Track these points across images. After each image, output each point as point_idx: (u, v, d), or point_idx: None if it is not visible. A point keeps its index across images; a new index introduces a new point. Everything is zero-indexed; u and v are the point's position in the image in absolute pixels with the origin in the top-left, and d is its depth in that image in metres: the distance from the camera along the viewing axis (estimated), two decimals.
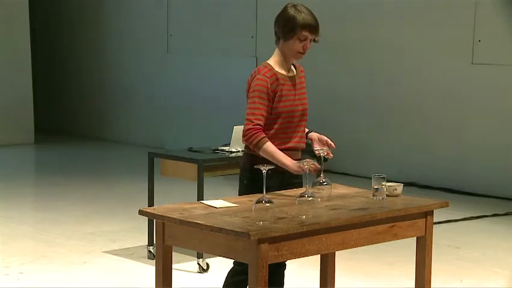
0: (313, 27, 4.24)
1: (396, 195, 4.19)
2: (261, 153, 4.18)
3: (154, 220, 3.85)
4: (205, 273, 5.95)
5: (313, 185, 4.12)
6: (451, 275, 6.07)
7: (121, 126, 13.19)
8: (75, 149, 12.72)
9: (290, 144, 4.30)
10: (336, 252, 4.26)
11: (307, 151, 7.02)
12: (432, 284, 4.22)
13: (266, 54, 12.54)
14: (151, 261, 6.03)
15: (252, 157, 4.27)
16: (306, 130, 4.45)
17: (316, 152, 4.27)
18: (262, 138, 4.17)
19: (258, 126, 4.18)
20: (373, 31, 10.13)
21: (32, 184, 10.19)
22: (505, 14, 9.05)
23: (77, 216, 7.93)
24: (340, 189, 4.35)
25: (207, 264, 5.97)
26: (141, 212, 3.85)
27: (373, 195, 4.13)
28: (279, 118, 4.24)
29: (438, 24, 9.57)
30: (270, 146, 4.17)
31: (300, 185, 4.35)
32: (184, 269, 6.01)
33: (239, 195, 4.30)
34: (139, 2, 12.91)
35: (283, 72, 4.29)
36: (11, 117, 12.69)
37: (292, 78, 4.32)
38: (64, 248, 6.74)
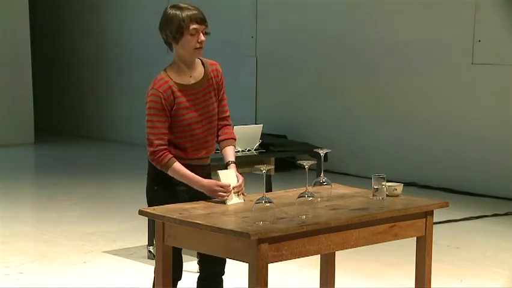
0: (200, 18, 4.04)
1: (396, 195, 4.19)
2: (170, 174, 4.06)
3: (154, 220, 3.85)
4: None
5: (314, 185, 4.13)
6: (451, 275, 6.07)
7: (121, 126, 13.20)
8: (75, 149, 12.72)
9: (201, 153, 4.17)
10: (336, 252, 4.26)
11: (307, 151, 7.03)
12: (432, 284, 4.22)
13: (266, 54, 12.52)
14: (151, 261, 6.03)
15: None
16: (226, 161, 4.23)
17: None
18: (169, 160, 4.03)
19: (160, 147, 4.03)
20: (373, 30, 10.13)
21: (32, 184, 10.19)
22: (505, 14, 9.05)
23: (77, 216, 7.93)
24: (340, 189, 4.35)
25: None
26: (141, 212, 3.85)
27: (373, 195, 4.13)
28: (183, 131, 4.08)
29: (438, 24, 9.57)
30: (177, 166, 4.04)
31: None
32: (184, 269, 5.99)
33: (149, 205, 4.11)
34: (139, 2, 12.91)
35: (182, 81, 4.09)
36: (11, 117, 12.69)
37: (194, 86, 4.12)
38: (63, 248, 6.75)
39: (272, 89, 11.21)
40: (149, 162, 4.20)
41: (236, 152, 6.09)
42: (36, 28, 14.15)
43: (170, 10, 4.07)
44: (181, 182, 4.11)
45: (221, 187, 4.01)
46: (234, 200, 3.99)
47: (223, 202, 3.99)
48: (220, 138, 4.30)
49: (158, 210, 3.85)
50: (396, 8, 9.95)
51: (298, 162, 4.22)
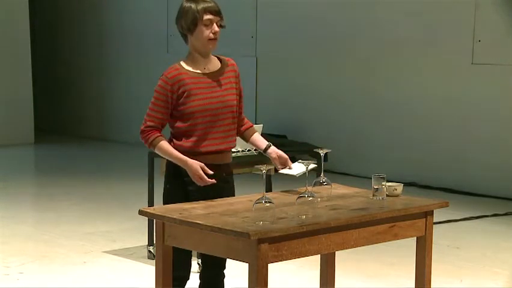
0: (214, 9, 4.13)
1: (396, 195, 4.19)
2: (157, 152, 4.16)
3: (154, 220, 3.85)
4: None
5: (314, 185, 4.12)
6: (451, 275, 6.07)
7: (121, 126, 13.19)
8: (75, 149, 12.72)
9: (210, 146, 4.14)
10: (336, 252, 4.26)
11: (307, 151, 7.03)
12: (432, 284, 4.22)
13: (266, 54, 12.53)
14: (151, 261, 6.04)
15: (172, 163, 4.16)
16: (265, 145, 4.28)
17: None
18: (156, 138, 4.13)
19: (149, 128, 4.15)
20: (373, 30, 10.13)
21: (32, 184, 10.19)
22: (505, 14, 9.05)
23: (77, 216, 7.93)
24: (340, 189, 4.35)
25: None
26: (141, 212, 3.85)
27: (373, 195, 4.13)
28: (191, 118, 4.11)
29: (438, 24, 9.57)
30: (164, 144, 4.13)
31: (229, 190, 4.21)
32: None
33: (164, 203, 4.14)
34: (139, 2, 12.91)
35: (195, 70, 4.15)
36: (11, 117, 12.69)
37: (209, 75, 4.16)
38: (63, 248, 6.75)
39: (272, 89, 11.21)
40: (167, 160, 4.23)
41: (236, 151, 6.15)
42: (36, 28, 14.14)
43: (186, 3, 4.15)
44: (189, 182, 4.11)
45: (203, 172, 4.04)
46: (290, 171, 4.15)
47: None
48: (242, 128, 4.37)
49: (158, 210, 3.85)
50: (397, 7, 9.95)
51: (298, 162, 4.23)
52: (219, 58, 4.28)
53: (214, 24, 4.12)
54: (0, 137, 12.42)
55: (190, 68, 4.16)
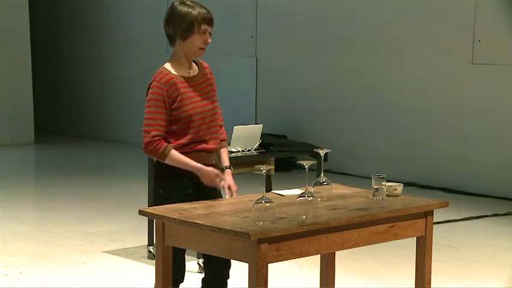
0: (210, 20, 4.10)
1: (396, 195, 4.19)
2: (168, 162, 4.05)
3: (154, 220, 3.85)
4: None
5: (314, 185, 4.12)
6: (451, 275, 6.07)
7: (121, 126, 13.20)
8: (75, 149, 12.72)
9: (203, 145, 4.14)
10: (336, 252, 4.26)
11: (307, 151, 7.03)
12: (432, 284, 4.22)
13: (266, 54, 12.51)
14: (151, 261, 6.04)
15: (164, 165, 4.11)
16: (224, 165, 4.24)
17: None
18: (166, 147, 4.03)
19: (156, 138, 4.04)
20: (373, 31, 10.13)
21: (32, 184, 10.19)
22: (505, 14, 9.05)
23: (77, 216, 7.93)
24: (340, 189, 4.35)
25: None
26: (141, 212, 3.85)
27: (373, 195, 4.13)
28: (185, 122, 4.07)
29: (439, 24, 9.57)
30: (175, 153, 4.04)
31: (217, 191, 4.18)
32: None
33: (154, 205, 4.08)
34: (139, 2, 12.92)
35: (182, 74, 4.12)
36: (11, 117, 12.69)
37: (194, 78, 4.15)
38: (63, 248, 6.75)
39: (272, 89, 11.21)
40: (154, 163, 4.20)
41: (236, 151, 6.15)
42: (36, 28, 14.14)
43: (180, 7, 4.08)
44: (187, 185, 4.10)
45: (219, 177, 4.08)
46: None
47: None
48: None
49: (158, 210, 3.85)
50: (397, 8, 9.95)
51: (298, 162, 4.22)
52: (194, 61, 4.24)
53: (208, 34, 4.10)
54: (0, 137, 12.42)
55: (176, 72, 4.12)
